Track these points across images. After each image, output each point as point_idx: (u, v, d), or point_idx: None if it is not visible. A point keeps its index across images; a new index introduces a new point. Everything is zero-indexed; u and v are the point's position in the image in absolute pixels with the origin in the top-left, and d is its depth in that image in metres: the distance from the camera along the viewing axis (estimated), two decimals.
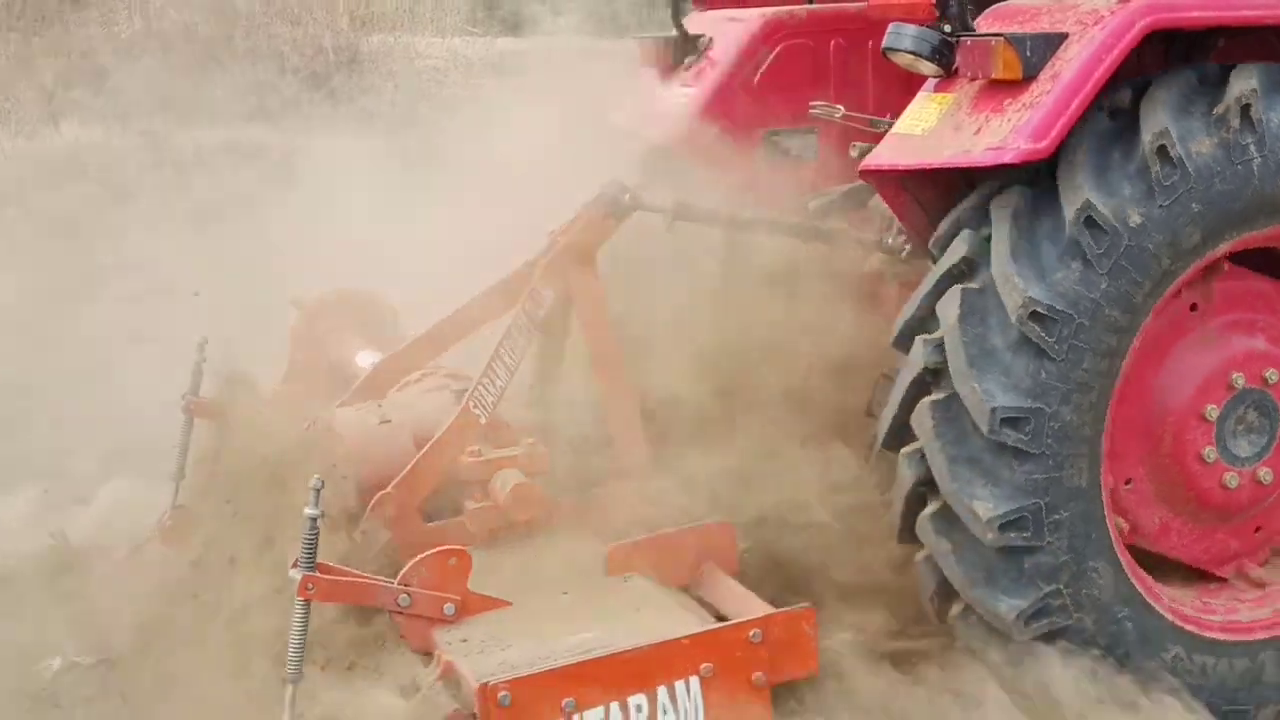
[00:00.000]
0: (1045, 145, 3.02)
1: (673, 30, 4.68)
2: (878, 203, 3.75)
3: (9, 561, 4.19)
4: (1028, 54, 3.08)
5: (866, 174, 3.47)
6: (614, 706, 2.85)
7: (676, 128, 4.45)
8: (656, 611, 3.14)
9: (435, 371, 3.93)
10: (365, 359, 4.27)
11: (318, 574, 2.88)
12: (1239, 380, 3.41)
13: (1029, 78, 3.09)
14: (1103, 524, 3.27)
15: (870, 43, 4.58)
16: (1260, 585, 3.59)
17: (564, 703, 2.80)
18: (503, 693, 2.75)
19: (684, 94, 4.53)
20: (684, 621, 3.07)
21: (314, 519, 2.88)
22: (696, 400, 3.74)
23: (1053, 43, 3.10)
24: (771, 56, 4.50)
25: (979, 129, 3.15)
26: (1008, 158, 3.04)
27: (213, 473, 3.99)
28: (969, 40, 3.19)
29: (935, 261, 3.34)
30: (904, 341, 3.35)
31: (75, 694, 3.65)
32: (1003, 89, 3.14)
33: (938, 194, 3.45)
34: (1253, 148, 3.13)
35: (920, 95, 3.43)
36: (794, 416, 3.74)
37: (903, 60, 3.40)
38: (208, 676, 3.28)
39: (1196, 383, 3.40)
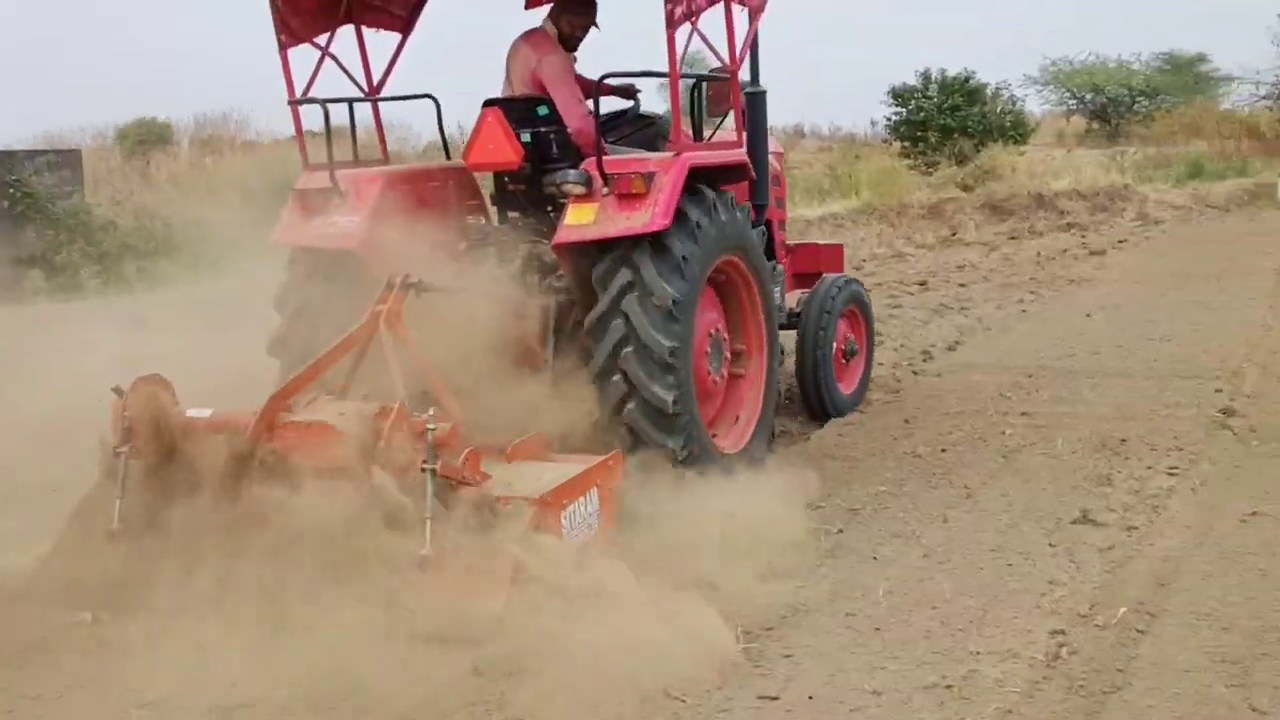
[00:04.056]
0: (668, 221, 6.54)
1: (322, 185, 7.29)
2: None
3: None
4: (648, 181, 6.58)
5: (558, 246, 6.67)
6: (577, 501, 5.76)
7: (354, 239, 7.09)
8: (555, 469, 6.03)
9: (317, 396, 6.18)
10: (195, 412, 6.28)
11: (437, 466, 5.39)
12: (712, 332, 7.22)
13: (647, 192, 6.59)
14: (695, 402, 6.84)
15: (431, 184, 7.70)
16: (729, 427, 7.46)
17: (564, 502, 5.66)
18: (549, 498, 5.54)
19: (349, 220, 7.17)
20: (571, 470, 5.99)
21: (432, 431, 5.39)
22: (465, 384, 6.56)
23: (651, 176, 6.63)
24: (395, 194, 7.35)
25: (629, 216, 6.56)
26: (655, 227, 6.51)
27: (147, 486, 5.85)
28: (617, 175, 6.60)
29: (604, 288, 6.66)
30: (599, 328, 6.61)
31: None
32: (634, 198, 6.59)
33: (582, 258, 6.79)
34: (719, 220, 6.97)
35: (572, 206, 6.72)
36: (518, 385, 6.75)
37: (565, 187, 6.71)
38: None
39: (701, 334, 7.13)
